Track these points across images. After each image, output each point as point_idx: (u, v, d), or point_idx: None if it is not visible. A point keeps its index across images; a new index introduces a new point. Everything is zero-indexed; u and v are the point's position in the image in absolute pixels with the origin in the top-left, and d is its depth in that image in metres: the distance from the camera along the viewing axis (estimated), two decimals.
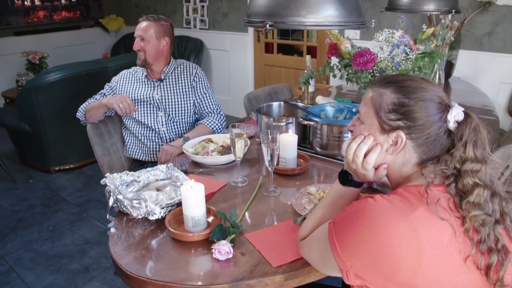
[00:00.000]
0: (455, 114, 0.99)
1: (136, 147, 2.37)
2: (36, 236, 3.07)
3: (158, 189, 1.61)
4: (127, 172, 1.66)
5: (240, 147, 1.70)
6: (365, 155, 1.09)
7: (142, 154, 2.36)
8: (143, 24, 2.27)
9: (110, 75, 3.89)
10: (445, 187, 0.96)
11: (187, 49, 5.37)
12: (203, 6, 5.47)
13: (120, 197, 1.46)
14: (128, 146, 2.40)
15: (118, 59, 4.15)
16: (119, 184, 1.59)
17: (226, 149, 1.96)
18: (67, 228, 3.16)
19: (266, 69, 5.06)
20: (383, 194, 0.98)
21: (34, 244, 2.97)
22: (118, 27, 6.65)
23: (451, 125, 1.00)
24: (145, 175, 1.66)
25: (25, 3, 5.98)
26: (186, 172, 1.76)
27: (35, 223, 3.24)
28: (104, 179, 1.59)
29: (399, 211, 0.92)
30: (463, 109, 1.01)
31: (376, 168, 1.10)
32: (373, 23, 1.58)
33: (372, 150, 1.07)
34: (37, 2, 6.07)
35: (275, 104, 2.26)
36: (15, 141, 4.27)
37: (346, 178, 1.19)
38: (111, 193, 1.50)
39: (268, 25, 1.43)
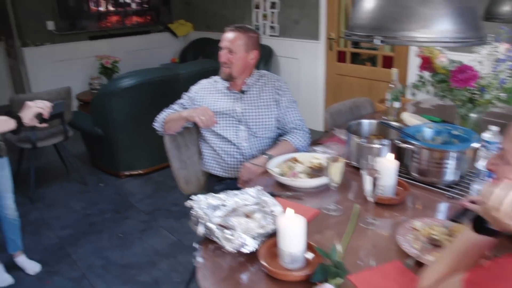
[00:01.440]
0: None
1: (214, 162, 2.27)
2: (106, 243, 3.06)
3: (247, 216, 1.48)
4: (213, 194, 1.55)
5: (337, 172, 1.55)
6: None
7: (220, 170, 2.25)
8: (230, 35, 2.16)
9: (182, 81, 3.86)
10: None
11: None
12: (273, 13, 5.36)
13: (211, 226, 1.34)
14: (205, 160, 2.30)
15: (189, 66, 4.11)
16: (205, 207, 1.48)
17: (315, 171, 1.81)
18: (136, 236, 3.12)
19: (338, 79, 4.87)
20: None
21: (105, 252, 2.95)
22: (186, 32, 6.68)
23: None
24: (232, 199, 1.53)
25: (100, 8, 6.12)
26: (273, 195, 1.63)
27: (106, 229, 3.23)
28: (189, 201, 1.49)
29: None
30: None
31: None
32: (490, 39, 1.39)
33: None
34: (110, 8, 6.20)
35: (366, 122, 2.09)
36: (87, 144, 4.33)
37: (481, 225, 1.01)
38: (200, 220, 1.38)
39: (377, 40, 1.27)
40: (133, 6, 6.43)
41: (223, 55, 2.17)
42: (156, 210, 3.47)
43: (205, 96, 2.26)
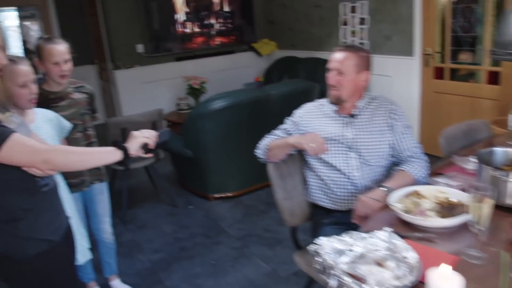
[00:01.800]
0: None
1: (321, 192, 2.09)
2: (199, 270, 2.97)
3: (379, 264, 1.28)
4: (337, 237, 1.37)
5: (485, 215, 1.31)
6: None
7: (328, 201, 2.07)
8: (340, 55, 1.99)
9: (273, 102, 3.74)
10: None
11: None
12: (362, 29, 5.14)
13: (347, 280, 1.16)
14: (311, 190, 2.13)
15: (280, 86, 3.99)
16: (330, 252, 1.31)
17: (446, 209, 1.58)
18: (229, 264, 3.00)
19: (436, 97, 4.53)
20: None
21: (198, 279, 2.86)
22: (270, 51, 6.62)
23: None
24: (360, 243, 1.35)
25: (186, 30, 6.23)
26: (401, 237, 1.42)
27: (197, 255, 3.15)
28: (314, 246, 1.32)
29: None
30: None
31: None
32: None
33: None
34: (196, 29, 6.28)
35: (500, 151, 1.82)
36: (176, 165, 4.34)
37: None
38: (333, 272, 1.21)
39: None
40: (218, 26, 6.48)
41: (331, 77, 2.01)
42: (248, 236, 3.35)
43: (311, 120, 2.11)
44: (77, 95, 2.38)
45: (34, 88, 1.94)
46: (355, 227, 1.86)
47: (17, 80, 1.86)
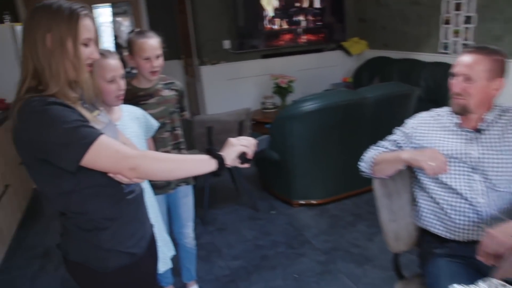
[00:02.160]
0: None
1: (434, 218, 1.80)
2: (280, 283, 2.77)
3: None
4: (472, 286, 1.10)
5: None
6: None
7: (443, 229, 1.77)
8: (468, 58, 1.68)
9: (368, 106, 3.47)
10: None
11: (445, 79, 4.63)
12: (467, 28, 4.66)
13: None
14: (422, 213, 1.84)
15: (376, 89, 3.67)
16: None
17: None
18: (313, 280, 2.78)
19: None
20: None
21: None
22: (360, 50, 6.28)
23: None
24: None
25: (274, 27, 6.05)
26: None
27: (279, 266, 2.95)
28: None
29: None
30: None
31: None
32: None
33: None
34: (284, 26, 6.09)
35: None
36: (259, 166, 4.18)
37: None
38: None
39: None
40: (306, 24, 6.24)
41: (456, 84, 1.70)
42: (334, 249, 3.10)
43: (427, 133, 1.82)
44: (166, 92, 2.27)
45: (123, 83, 1.83)
46: (477, 264, 1.56)
47: (105, 75, 1.76)
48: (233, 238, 3.38)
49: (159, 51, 2.14)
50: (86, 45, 1.35)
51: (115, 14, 7.00)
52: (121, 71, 1.82)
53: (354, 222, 3.44)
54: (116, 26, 7.05)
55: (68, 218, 1.36)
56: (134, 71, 2.22)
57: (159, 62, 2.14)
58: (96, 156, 1.24)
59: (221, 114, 3.36)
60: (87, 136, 1.24)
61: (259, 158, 3.97)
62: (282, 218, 3.62)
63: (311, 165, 3.61)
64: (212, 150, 1.39)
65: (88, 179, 1.31)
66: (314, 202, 3.74)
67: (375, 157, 1.86)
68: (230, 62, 5.91)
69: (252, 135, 3.67)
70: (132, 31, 2.21)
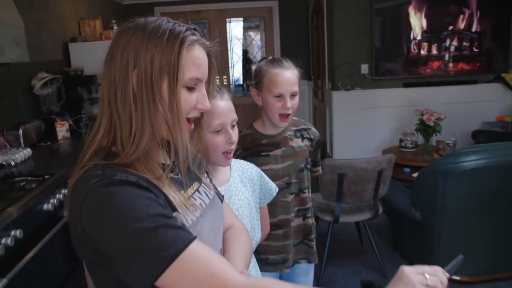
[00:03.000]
0: None
1: None
2: None
3: None
4: None
5: None
6: None
7: None
8: None
9: None
10: None
11: None
12: None
13: None
14: None
15: None
16: None
17: None
18: None
19: None
20: None
21: None
22: None
23: None
24: None
25: (420, 52, 5.30)
26: None
27: None
28: None
29: None
30: None
31: None
32: None
33: None
34: (433, 52, 5.30)
35: None
36: (393, 219, 3.51)
37: None
38: None
39: None
40: (460, 50, 5.37)
41: None
42: None
43: None
44: (297, 142, 1.75)
45: (235, 134, 1.34)
46: None
47: (210, 122, 1.27)
48: None
49: (296, 88, 1.64)
50: (191, 88, 0.89)
51: (246, 28, 6.80)
52: (232, 115, 1.33)
53: None
54: (246, 40, 6.85)
55: None
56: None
57: (294, 102, 1.64)
58: (180, 278, 0.77)
59: (358, 161, 2.76)
60: (169, 245, 0.77)
61: (393, 210, 3.30)
62: None
63: (463, 233, 2.85)
64: (372, 285, 0.83)
65: None
66: (458, 278, 2.96)
67: None
68: (366, 89, 5.28)
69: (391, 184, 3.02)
70: (264, 59, 1.72)
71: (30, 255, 1.77)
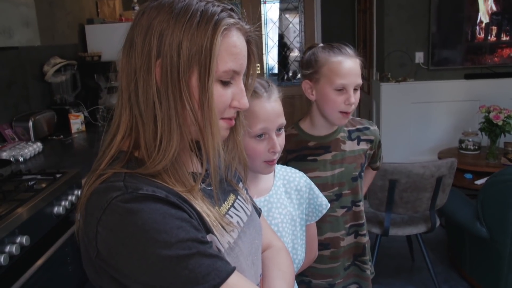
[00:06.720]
0: None
1: None
2: None
3: None
4: None
5: None
6: None
7: None
8: None
9: None
10: None
11: None
12: None
13: None
14: None
15: None
16: None
17: None
18: None
19: None
20: None
21: None
22: None
23: None
24: None
25: (487, 38, 5.10)
26: None
27: None
28: None
29: None
30: None
31: None
32: None
33: None
34: (503, 38, 5.09)
35: None
36: (451, 234, 3.39)
37: None
38: None
39: None
40: None
41: None
42: None
43: None
44: (352, 146, 1.66)
45: (280, 141, 1.25)
46: None
47: (252, 126, 1.18)
48: None
49: (360, 80, 1.57)
50: (226, 83, 0.82)
51: (283, 10, 6.74)
52: (280, 120, 1.24)
53: None
54: (282, 23, 6.79)
55: None
56: None
57: (357, 97, 1.57)
58: None
59: (413, 165, 2.66)
60: (203, 278, 0.72)
61: (452, 223, 3.18)
62: None
63: None
64: None
65: None
66: None
67: None
68: (420, 80, 5.14)
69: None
70: (313, 46, 1.64)
71: (38, 263, 1.75)
